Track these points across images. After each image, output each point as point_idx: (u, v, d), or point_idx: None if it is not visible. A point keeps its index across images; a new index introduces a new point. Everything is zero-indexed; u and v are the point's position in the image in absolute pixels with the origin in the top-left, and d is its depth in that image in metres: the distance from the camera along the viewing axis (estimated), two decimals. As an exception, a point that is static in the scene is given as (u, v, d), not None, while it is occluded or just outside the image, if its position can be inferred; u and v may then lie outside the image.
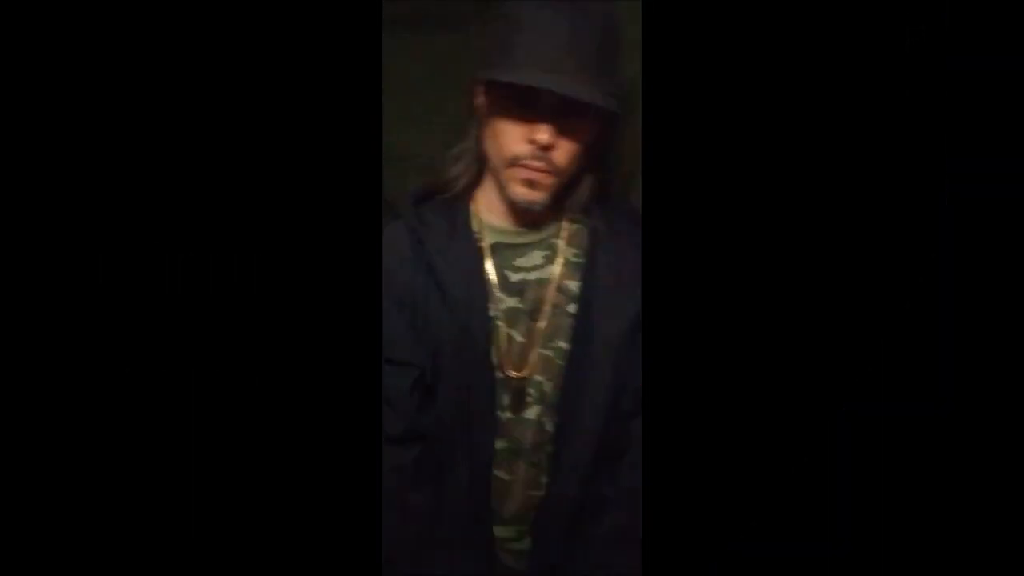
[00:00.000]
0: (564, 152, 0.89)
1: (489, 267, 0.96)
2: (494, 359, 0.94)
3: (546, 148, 0.88)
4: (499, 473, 0.95)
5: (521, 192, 0.91)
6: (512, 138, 0.89)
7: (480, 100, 0.93)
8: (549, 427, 0.95)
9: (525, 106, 0.88)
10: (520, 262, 0.97)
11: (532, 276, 0.96)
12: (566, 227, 0.98)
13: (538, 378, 0.95)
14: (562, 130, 0.88)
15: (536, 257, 0.97)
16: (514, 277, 0.96)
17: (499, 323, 0.95)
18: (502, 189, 0.93)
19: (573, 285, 0.96)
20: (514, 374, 0.95)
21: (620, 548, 0.92)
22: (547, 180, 0.90)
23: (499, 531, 0.96)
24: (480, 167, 0.97)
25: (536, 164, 0.89)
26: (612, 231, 0.98)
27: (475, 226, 0.97)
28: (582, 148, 0.91)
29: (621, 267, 0.95)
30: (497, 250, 0.97)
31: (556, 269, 0.97)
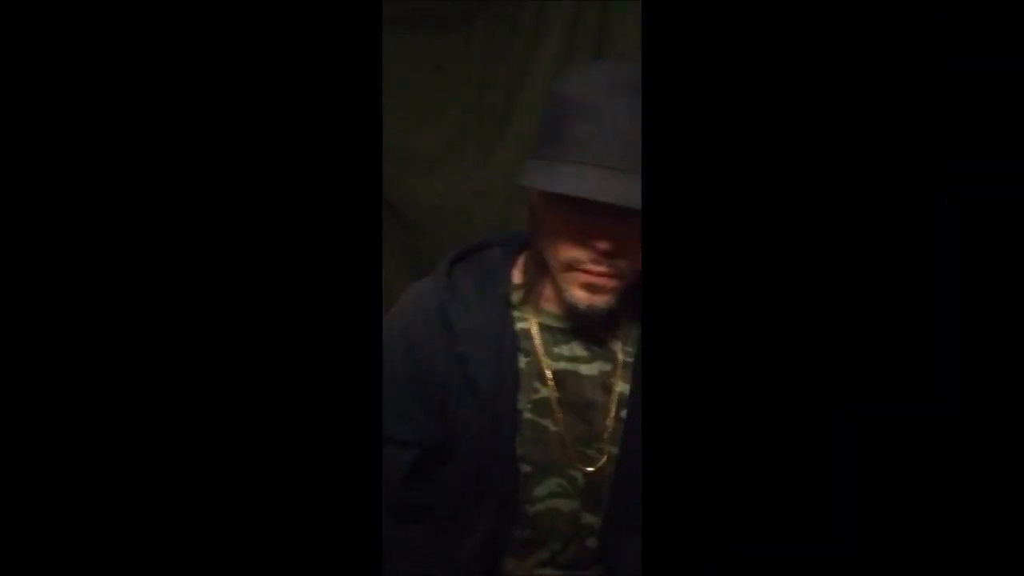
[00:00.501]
0: (630, 257, 0.80)
1: (528, 348, 0.87)
2: (517, 449, 0.86)
3: (608, 254, 0.79)
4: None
5: (581, 296, 0.82)
6: (569, 239, 0.80)
7: (533, 199, 0.84)
8: (588, 525, 0.88)
9: (582, 210, 0.77)
10: (559, 350, 0.88)
11: (571, 367, 0.88)
12: (623, 320, 0.88)
13: (574, 473, 0.88)
14: (627, 232, 0.77)
15: (579, 348, 0.88)
16: (553, 366, 0.87)
17: (531, 415, 0.87)
18: (560, 292, 0.84)
19: (625, 387, 0.88)
20: (586, 469, 0.87)
21: None
22: (611, 284, 0.81)
23: None
24: (543, 268, 0.86)
25: (597, 269, 0.80)
26: None
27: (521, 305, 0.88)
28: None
29: None
30: (540, 332, 0.88)
31: (604, 367, 0.88)
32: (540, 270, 0.87)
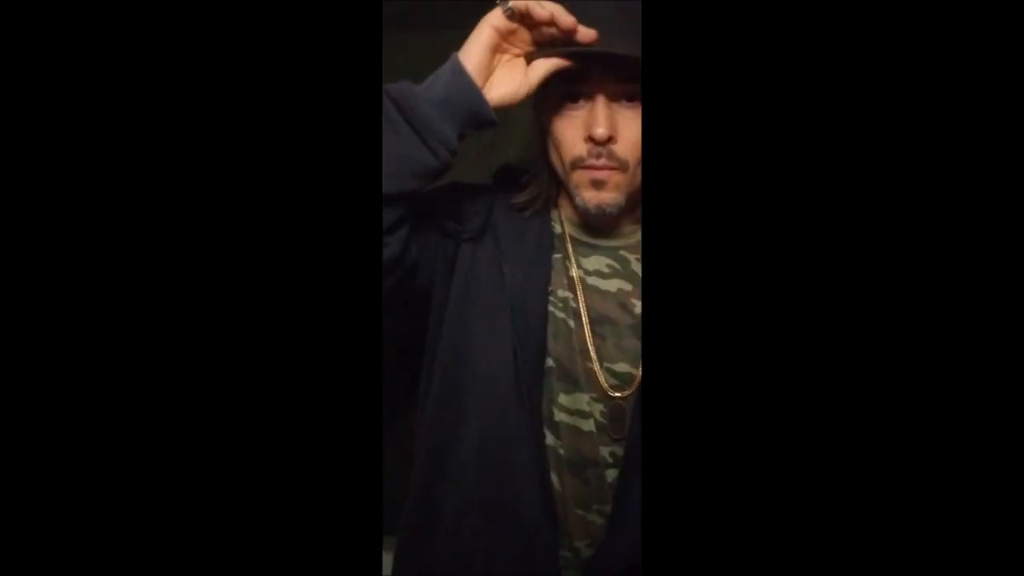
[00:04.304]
0: (627, 144, 0.85)
1: (560, 248, 0.92)
2: (550, 346, 0.89)
3: (606, 142, 0.84)
4: (552, 478, 0.88)
5: (589, 196, 0.87)
6: (570, 139, 0.86)
7: (540, 106, 0.89)
8: (605, 451, 0.88)
9: (576, 99, 0.85)
10: (585, 263, 0.92)
11: (588, 281, 0.92)
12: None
13: (591, 396, 0.89)
14: (620, 118, 0.84)
15: (598, 263, 0.92)
16: (574, 272, 0.92)
17: (555, 311, 0.91)
18: (573, 199, 0.89)
19: (639, 306, 0.90)
20: (615, 395, 0.88)
21: None
22: (615, 178, 0.86)
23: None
24: (554, 184, 0.93)
25: (599, 163, 0.85)
26: None
27: (554, 220, 0.94)
28: (640, 137, 0.85)
29: None
30: (568, 243, 0.93)
31: (622, 285, 0.92)
32: (550, 185, 0.93)
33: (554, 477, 0.89)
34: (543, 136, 0.91)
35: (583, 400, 0.89)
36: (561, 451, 0.89)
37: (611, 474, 0.89)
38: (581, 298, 0.91)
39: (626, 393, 0.89)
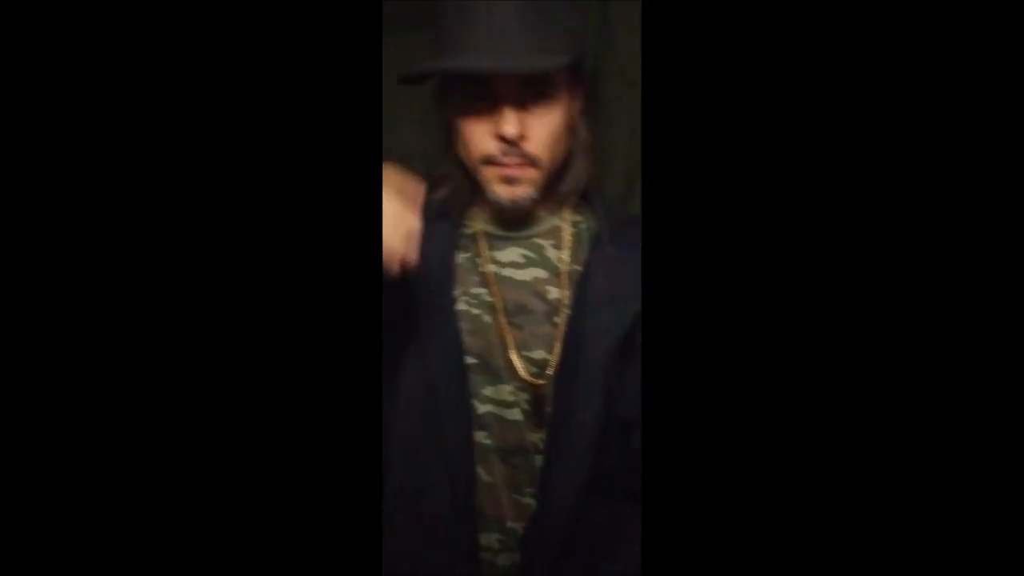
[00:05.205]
0: (537, 142, 0.85)
1: (469, 247, 0.92)
2: (465, 342, 0.90)
3: (516, 141, 0.84)
4: (480, 471, 0.90)
5: (502, 190, 0.86)
6: (479, 136, 0.85)
7: (441, 100, 0.89)
8: (533, 437, 0.90)
9: (483, 98, 0.83)
10: (496, 255, 0.93)
11: (504, 273, 0.92)
12: (565, 230, 0.93)
13: (514, 385, 0.91)
14: (530, 117, 0.84)
15: (514, 254, 0.93)
16: (487, 267, 0.91)
17: (470, 308, 0.91)
18: (486, 193, 0.88)
19: (554, 292, 0.92)
20: (529, 380, 0.89)
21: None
22: (527, 174, 0.86)
23: (483, 538, 0.91)
24: (471, 176, 0.91)
25: (510, 160, 0.84)
26: (614, 241, 0.92)
27: (465, 219, 0.94)
28: (557, 132, 0.86)
29: (617, 281, 0.90)
30: (479, 238, 0.93)
31: (538, 273, 0.92)
32: (465, 181, 0.93)
33: (482, 470, 0.90)
34: (449, 131, 0.91)
35: (506, 391, 0.90)
36: (489, 442, 0.90)
37: (539, 459, 0.90)
38: (496, 292, 0.91)
39: (544, 380, 0.90)
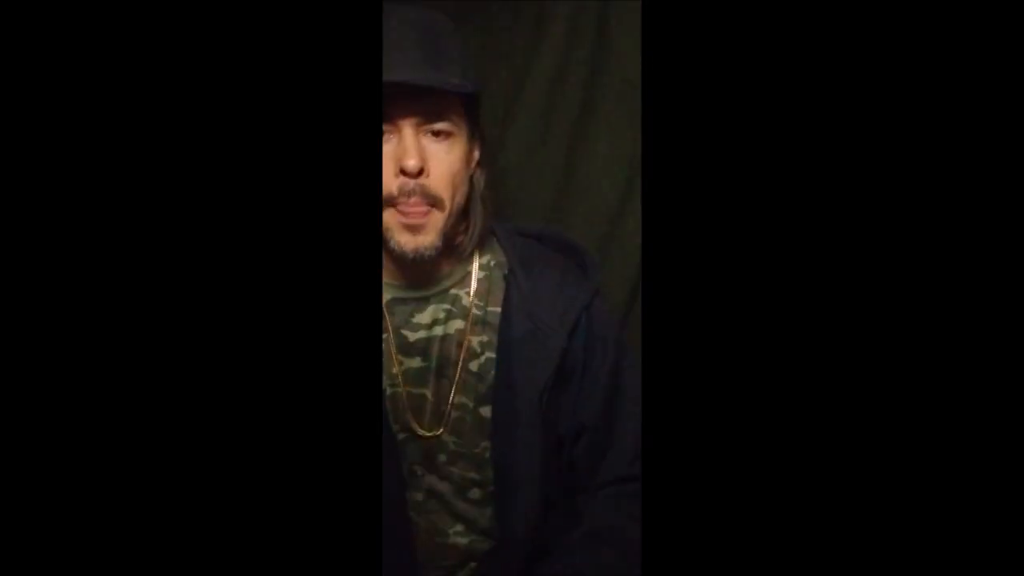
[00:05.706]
0: (437, 178, 0.84)
1: (385, 327, 0.90)
2: (400, 419, 0.91)
3: (417, 174, 0.83)
4: (417, 519, 0.92)
5: (405, 240, 0.85)
6: (384, 175, 0.84)
7: None
8: (476, 481, 0.92)
9: (385, 121, 0.82)
10: (418, 319, 0.92)
11: (434, 333, 0.92)
12: (474, 275, 0.93)
13: (450, 438, 0.92)
14: (428, 153, 0.83)
15: (436, 312, 0.92)
16: (413, 336, 0.91)
17: (398, 388, 0.91)
18: (387, 243, 0.87)
19: (476, 342, 0.92)
20: (424, 433, 0.91)
21: None
22: (430, 220, 0.85)
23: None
24: None
25: (412, 201, 0.83)
26: (525, 269, 0.92)
27: None
28: (457, 171, 0.86)
29: (536, 313, 0.90)
30: (392, 307, 0.91)
31: (458, 324, 0.92)
32: None
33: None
34: None
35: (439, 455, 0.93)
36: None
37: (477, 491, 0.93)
38: (434, 351, 0.92)
39: (436, 431, 0.91)
